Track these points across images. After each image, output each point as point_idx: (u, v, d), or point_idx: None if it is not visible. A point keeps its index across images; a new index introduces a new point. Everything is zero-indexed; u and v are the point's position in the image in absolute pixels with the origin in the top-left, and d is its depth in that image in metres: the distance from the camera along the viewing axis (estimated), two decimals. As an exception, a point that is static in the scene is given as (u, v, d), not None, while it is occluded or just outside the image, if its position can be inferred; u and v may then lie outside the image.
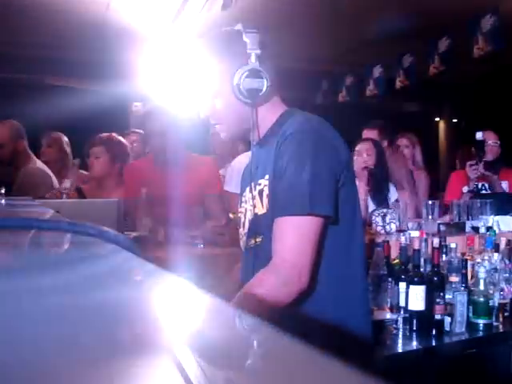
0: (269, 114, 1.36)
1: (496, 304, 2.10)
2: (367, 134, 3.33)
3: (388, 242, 2.18)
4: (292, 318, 1.15)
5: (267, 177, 1.31)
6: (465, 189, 3.36)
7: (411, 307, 1.93)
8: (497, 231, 2.45)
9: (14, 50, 5.58)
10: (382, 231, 2.59)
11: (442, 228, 2.62)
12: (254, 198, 1.35)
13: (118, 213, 1.77)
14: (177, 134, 2.56)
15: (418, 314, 1.92)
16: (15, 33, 5.22)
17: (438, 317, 1.95)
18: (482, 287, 2.02)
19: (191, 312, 0.31)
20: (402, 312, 1.96)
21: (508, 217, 2.75)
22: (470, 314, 2.02)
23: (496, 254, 2.20)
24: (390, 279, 2.03)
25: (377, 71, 6.47)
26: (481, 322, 2.02)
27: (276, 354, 0.24)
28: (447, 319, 1.97)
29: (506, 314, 2.14)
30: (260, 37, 1.30)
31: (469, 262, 2.15)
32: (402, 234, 2.25)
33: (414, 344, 1.90)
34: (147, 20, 5.03)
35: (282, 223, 1.23)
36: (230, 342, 0.25)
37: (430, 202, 2.61)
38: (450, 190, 3.57)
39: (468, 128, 6.20)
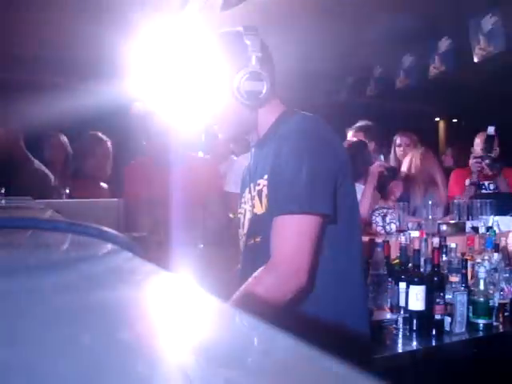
0: (268, 115, 1.36)
1: (496, 304, 2.10)
2: (354, 136, 3.30)
3: (388, 241, 2.18)
4: (291, 316, 1.15)
5: (266, 177, 1.31)
6: (467, 182, 3.38)
7: (411, 307, 1.93)
8: (497, 231, 2.46)
9: (13, 50, 5.58)
10: (382, 231, 2.59)
11: (442, 228, 2.62)
12: (253, 198, 1.35)
13: (117, 213, 1.77)
14: (177, 133, 2.56)
15: (418, 314, 1.93)
16: (15, 33, 5.21)
17: (437, 317, 1.95)
18: (482, 287, 2.02)
19: (191, 312, 0.31)
20: (402, 312, 1.96)
21: (508, 217, 2.76)
22: (470, 314, 2.02)
23: (496, 254, 2.21)
24: (390, 279, 2.03)
25: (377, 71, 6.48)
26: (481, 322, 2.02)
27: (275, 353, 0.24)
28: (447, 319, 1.98)
29: (505, 313, 2.14)
30: (260, 39, 1.30)
31: (469, 262, 2.16)
32: (402, 233, 2.26)
33: (414, 344, 1.90)
34: (147, 20, 5.03)
35: (280, 222, 1.23)
36: (230, 342, 0.25)
37: (430, 202, 2.62)
38: (452, 188, 3.58)
39: (468, 128, 6.21)
